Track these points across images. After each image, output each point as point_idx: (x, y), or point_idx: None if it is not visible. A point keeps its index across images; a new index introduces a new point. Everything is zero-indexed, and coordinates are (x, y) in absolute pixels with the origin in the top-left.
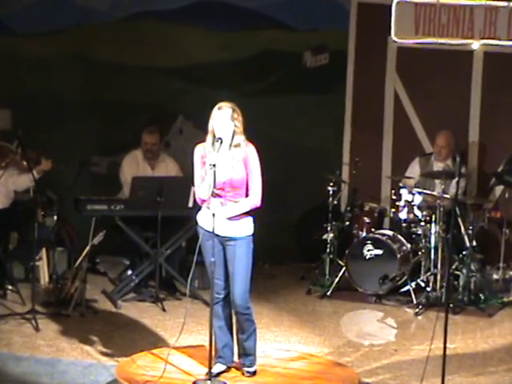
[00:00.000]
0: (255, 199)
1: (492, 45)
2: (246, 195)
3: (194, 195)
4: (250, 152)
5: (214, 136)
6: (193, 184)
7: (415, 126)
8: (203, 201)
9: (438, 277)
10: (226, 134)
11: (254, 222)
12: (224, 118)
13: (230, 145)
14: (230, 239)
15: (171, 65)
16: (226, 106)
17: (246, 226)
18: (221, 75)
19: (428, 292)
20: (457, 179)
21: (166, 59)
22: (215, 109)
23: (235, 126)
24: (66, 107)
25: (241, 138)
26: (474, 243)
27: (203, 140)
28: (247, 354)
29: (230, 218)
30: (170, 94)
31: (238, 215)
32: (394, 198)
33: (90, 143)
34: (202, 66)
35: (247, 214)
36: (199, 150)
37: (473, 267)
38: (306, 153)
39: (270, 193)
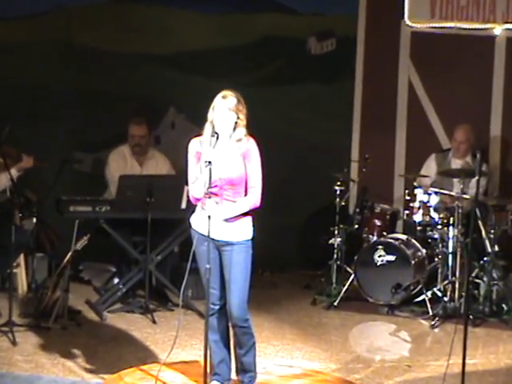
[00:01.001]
0: (255, 198)
1: None
2: (245, 194)
3: (188, 195)
4: (251, 146)
5: (214, 126)
6: (186, 183)
7: (431, 119)
8: (197, 200)
9: (457, 285)
10: (227, 127)
11: (253, 224)
12: (227, 109)
13: (231, 138)
14: (227, 244)
15: (162, 52)
16: (230, 95)
17: (245, 229)
18: (216, 63)
19: (445, 302)
20: (477, 178)
21: (156, 45)
22: (218, 97)
23: (238, 118)
24: (45, 98)
25: (243, 132)
26: (496, 248)
27: (199, 134)
28: (246, 370)
29: (227, 220)
30: (160, 84)
31: (235, 217)
32: (407, 198)
33: (72, 138)
34: (195, 54)
35: (246, 215)
36: (194, 145)
37: (495, 275)
38: (310, 149)
39: (271, 192)
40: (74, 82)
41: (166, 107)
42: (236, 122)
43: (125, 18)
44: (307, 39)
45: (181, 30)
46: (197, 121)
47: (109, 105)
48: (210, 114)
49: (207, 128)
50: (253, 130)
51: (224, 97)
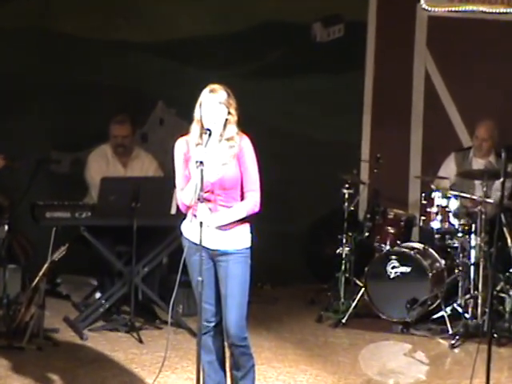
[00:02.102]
0: (252, 203)
1: None
2: (241, 198)
3: (177, 200)
4: (245, 145)
5: (202, 126)
6: (175, 186)
7: (450, 115)
8: (188, 208)
9: (479, 300)
10: (217, 124)
11: (251, 232)
12: (216, 104)
13: (221, 137)
14: (222, 253)
15: (149, 39)
16: (219, 89)
17: (242, 237)
18: (211, 52)
19: (467, 319)
20: (502, 179)
21: (143, 32)
22: (205, 91)
23: (229, 113)
24: (18, 91)
25: (234, 130)
26: None
27: (187, 132)
28: None
29: (221, 228)
30: (148, 75)
31: (231, 223)
32: (424, 202)
33: (48, 135)
34: (187, 41)
35: (243, 221)
36: (181, 146)
37: None
38: (315, 147)
39: (270, 196)
40: (51, 74)
41: (155, 101)
42: (226, 119)
43: (109, 2)
44: (312, 25)
45: (171, 15)
46: (188, 117)
47: (90, 99)
48: (197, 112)
49: (194, 128)
50: (250, 126)
51: (212, 90)
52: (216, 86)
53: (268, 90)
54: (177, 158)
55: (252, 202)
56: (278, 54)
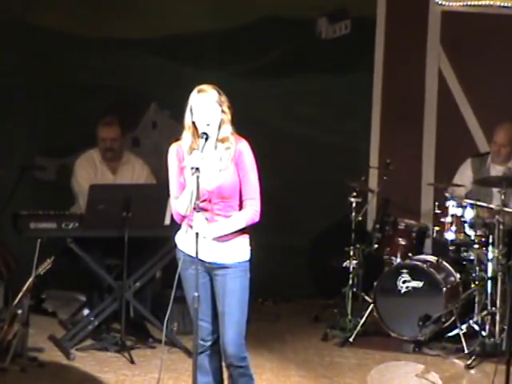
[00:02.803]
0: (252, 212)
1: None
2: (240, 207)
3: (172, 209)
4: (243, 149)
5: (196, 132)
6: (169, 194)
7: (466, 118)
8: (183, 217)
9: (497, 317)
10: (213, 126)
11: (250, 243)
12: (209, 105)
13: (217, 140)
14: (220, 267)
15: (141, 35)
16: (208, 88)
17: (241, 250)
18: (208, 50)
19: (484, 337)
20: None
21: (135, 28)
22: (194, 94)
23: (223, 112)
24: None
25: (228, 130)
26: None
27: (180, 138)
28: None
29: (218, 239)
30: (139, 74)
31: (229, 234)
32: (437, 212)
33: (32, 140)
34: (183, 38)
35: (242, 232)
36: (175, 151)
37: None
38: (320, 152)
39: (272, 205)
40: (35, 73)
41: (147, 103)
42: (221, 119)
43: None
44: (316, 21)
45: (165, 9)
46: (183, 119)
47: (77, 100)
48: (188, 118)
49: (186, 137)
50: (250, 129)
51: (201, 91)
52: (204, 86)
53: (269, 90)
54: (171, 164)
55: (252, 211)
56: (280, 52)
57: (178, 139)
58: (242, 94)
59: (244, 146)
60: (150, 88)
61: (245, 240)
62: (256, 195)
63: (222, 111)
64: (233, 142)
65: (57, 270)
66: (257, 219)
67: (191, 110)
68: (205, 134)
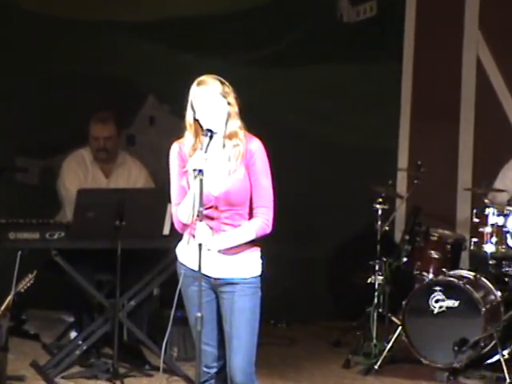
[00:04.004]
0: (264, 222)
1: None
2: (250, 216)
3: (172, 217)
4: (255, 149)
5: (200, 129)
6: (169, 200)
7: (509, 113)
8: (185, 226)
9: None
10: (218, 123)
11: (262, 256)
12: (211, 98)
13: (224, 136)
14: (227, 283)
15: (137, 19)
16: (209, 79)
17: (251, 264)
18: (213, 35)
19: None
20: None
21: (130, 10)
22: (194, 87)
23: (229, 105)
24: None
25: (236, 124)
26: None
27: (182, 136)
28: None
29: (225, 252)
30: (135, 63)
31: (237, 246)
32: (476, 221)
33: (12, 139)
34: (184, 22)
35: (252, 244)
36: (177, 151)
37: None
38: (341, 153)
39: (286, 213)
40: (15, 62)
41: (144, 96)
42: (228, 113)
43: None
44: (337, 2)
45: None
46: (185, 114)
47: (65, 93)
48: (189, 114)
49: (188, 137)
50: (260, 127)
51: (201, 83)
52: (204, 78)
53: (283, 81)
54: (172, 165)
55: (263, 220)
56: (296, 37)
57: (180, 137)
58: (251, 86)
59: (256, 146)
60: (147, 79)
61: (255, 253)
62: (268, 203)
63: (228, 103)
64: (242, 138)
65: (40, 287)
66: (268, 231)
67: (192, 106)
68: (209, 131)
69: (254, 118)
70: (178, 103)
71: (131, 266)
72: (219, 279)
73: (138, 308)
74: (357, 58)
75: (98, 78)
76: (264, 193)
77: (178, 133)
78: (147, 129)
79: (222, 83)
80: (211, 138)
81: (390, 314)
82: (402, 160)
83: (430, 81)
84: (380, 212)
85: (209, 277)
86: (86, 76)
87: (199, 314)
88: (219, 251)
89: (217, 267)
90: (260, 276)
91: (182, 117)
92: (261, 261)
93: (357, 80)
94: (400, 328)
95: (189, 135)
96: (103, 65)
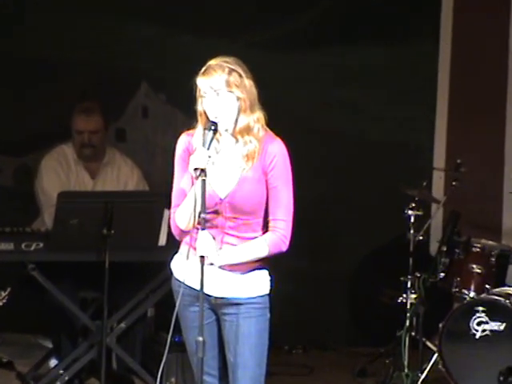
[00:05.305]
0: (279, 238)
1: None
2: (264, 230)
3: (169, 224)
4: (277, 151)
5: (208, 121)
6: (167, 205)
7: None
8: (183, 233)
9: None
10: (226, 118)
11: (271, 272)
12: (214, 92)
13: (234, 133)
14: (231, 303)
15: None
16: (217, 68)
17: (257, 281)
18: (216, 14)
19: None
20: None
21: None
22: (199, 73)
23: (238, 98)
24: None
25: (248, 119)
26: None
27: (193, 127)
28: None
29: (229, 268)
30: (125, 46)
31: (245, 263)
32: None
33: None
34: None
35: (261, 261)
36: (185, 143)
37: None
38: (367, 150)
39: (303, 221)
40: None
41: (135, 83)
42: (239, 106)
43: None
44: None
45: None
46: (184, 105)
47: (43, 81)
48: (199, 103)
49: (199, 129)
50: (273, 120)
51: (204, 73)
52: (211, 63)
53: (298, 67)
54: (177, 159)
55: (279, 236)
56: (312, 15)
57: (189, 128)
58: (261, 72)
59: (277, 148)
60: (140, 64)
61: (263, 270)
62: (287, 216)
63: (238, 97)
64: (257, 135)
65: (14, 306)
66: (284, 248)
67: (199, 95)
68: (213, 123)
69: (267, 110)
70: (174, 92)
71: (121, 281)
72: (222, 298)
73: (130, 331)
74: (385, 40)
75: (82, 63)
76: (282, 204)
77: (176, 126)
78: (140, 122)
79: (230, 71)
80: (215, 132)
81: (424, 339)
82: (439, 158)
83: (470, 67)
84: (413, 219)
85: (208, 295)
86: (68, 62)
87: (201, 339)
88: (220, 267)
89: (218, 285)
90: (268, 295)
91: (180, 107)
92: (269, 277)
93: (386, 65)
94: (436, 355)
95: (200, 126)
96: (89, 48)
